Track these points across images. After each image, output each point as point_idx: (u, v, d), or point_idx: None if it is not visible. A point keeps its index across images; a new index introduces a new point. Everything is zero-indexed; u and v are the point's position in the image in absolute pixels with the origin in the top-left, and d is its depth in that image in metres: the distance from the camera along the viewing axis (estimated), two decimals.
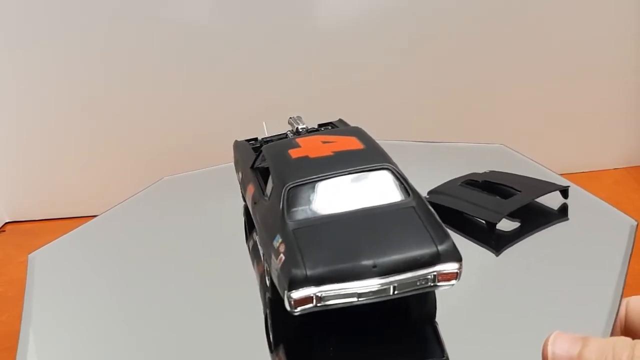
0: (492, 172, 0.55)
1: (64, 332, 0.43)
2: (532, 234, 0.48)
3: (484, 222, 0.48)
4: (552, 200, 0.51)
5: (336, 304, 0.33)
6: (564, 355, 0.32)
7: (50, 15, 1.14)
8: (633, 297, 0.41)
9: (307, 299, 0.33)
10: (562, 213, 0.51)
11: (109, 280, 0.49)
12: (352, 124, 0.51)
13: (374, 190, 0.37)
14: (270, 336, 0.39)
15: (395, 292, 0.33)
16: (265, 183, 0.42)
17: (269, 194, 0.40)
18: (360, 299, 0.33)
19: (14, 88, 1.19)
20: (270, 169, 0.41)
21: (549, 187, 0.51)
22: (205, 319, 0.42)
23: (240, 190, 0.53)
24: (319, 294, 0.33)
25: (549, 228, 0.49)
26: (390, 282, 0.33)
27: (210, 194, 0.62)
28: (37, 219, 1.29)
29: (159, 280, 0.48)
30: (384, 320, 0.38)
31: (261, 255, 0.42)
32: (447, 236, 0.34)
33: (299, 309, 0.33)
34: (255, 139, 0.56)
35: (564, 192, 0.51)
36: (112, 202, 0.60)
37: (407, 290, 0.34)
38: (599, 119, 1.24)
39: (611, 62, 1.20)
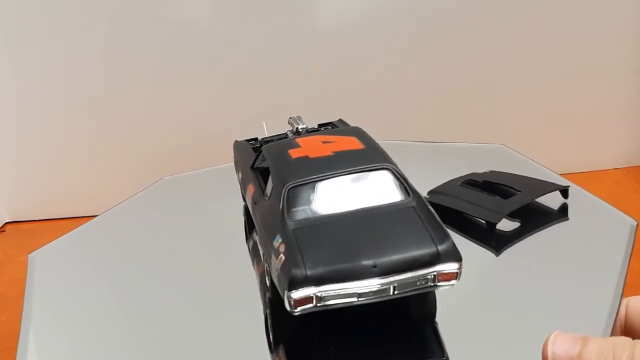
0: (492, 172, 0.55)
1: (64, 332, 0.43)
2: (532, 234, 0.48)
3: (484, 222, 0.48)
4: (552, 200, 0.51)
5: (336, 304, 0.33)
6: (564, 355, 0.32)
7: (50, 15, 1.14)
8: (633, 297, 0.41)
9: (307, 299, 0.33)
10: (562, 213, 0.51)
11: (109, 280, 0.49)
12: (352, 124, 0.51)
13: (374, 190, 0.37)
14: (270, 336, 0.39)
15: (395, 292, 0.33)
16: (265, 183, 0.42)
17: (269, 194, 0.40)
18: (360, 299, 0.33)
19: (14, 88, 1.19)
20: (270, 169, 0.41)
21: (549, 187, 0.51)
22: (205, 319, 0.42)
23: (240, 190, 0.53)
24: (319, 294, 0.33)
25: (549, 228, 0.49)
26: (390, 282, 0.33)
27: (210, 194, 0.62)
28: (37, 219, 1.29)
29: (159, 280, 0.47)
30: (384, 320, 0.38)
31: (261, 255, 0.42)
32: (447, 236, 0.34)
33: (299, 309, 0.33)
34: (255, 139, 0.56)
35: (564, 192, 0.51)
36: (112, 202, 0.60)
37: (407, 290, 0.34)
38: (599, 119, 1.24)
39: (611, 62, 1.20)
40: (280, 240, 0.35)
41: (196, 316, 0.42)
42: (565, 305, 0.40)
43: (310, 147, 0.41)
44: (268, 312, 0.41)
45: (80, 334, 0.43)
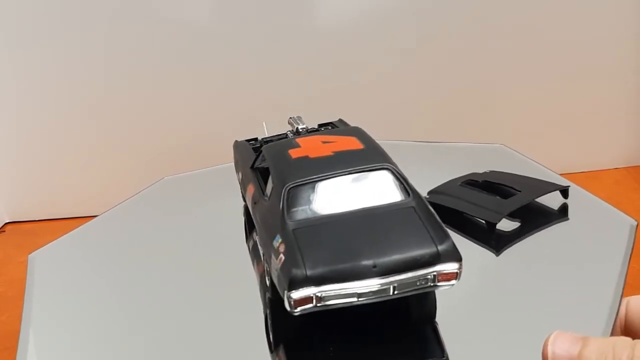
0: (492, 172, 0.55)
1: (64, 332, 0.43)
2: (532, 234, 0.48)
3: (484, 222, 0.48)
4: (552, 200, 0.51)
5: (336, 304, 0.33)
6: (564, 355, 0.32)
7: (50, 15, 1.14)
8: (633, 296, 0.41)
9: (307, 299, 0.33)
10: (562, 213, 0.51)
11: (109, 280, 0.49)
12: (352, 124, 0.51)
13: (374, 190, 0.37)
14: (270, 336, 0.39)
15: (395, 292, 0.33)
16: (265, 183, 0.42)
17: (269, 194, 0.40)
18: (360, 299, 0.33)
19: (14, 88, 1.19)
20: (270, 169, 0.41)
21: (549, 187, 0.51)
22: (205, 319, 0.42)
23: (240, 190, 0.53)
24: (319, 294, 0.33)
25: (549, 228, 0.49)
26: (390, 282, 0.33)
27: (210, 194, 0.62)
28: (37, 219, 1.29)
29: (159, 280, 0.47)
30: (384, 320, 0.38)
31: (261, 255, 0.42)
32: (447, 236, 0.34)
33: (299, 309, 0.33)
34: (255, 139, 0.56)
35: (564, 192, 0.51)
36: (112, 202, 0.60)
37: (407, 290, 0.34)
38: (599, 119, 1.24)
39: (611, 62, 1.20)
40: (280, 240, 0.35)
41: (196, 316, 0.42)
42: (565, 305, 0.40)
43: (310, 147, 0.41)
44: (268, 312, 0.41)
45: (80, 334, 0.43)
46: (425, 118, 1.21)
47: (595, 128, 1.25)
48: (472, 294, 0.41)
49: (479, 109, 1.22)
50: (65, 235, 0.55)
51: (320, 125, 0.56)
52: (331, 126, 0.55)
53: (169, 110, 1.20)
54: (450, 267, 0.34)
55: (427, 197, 0.51)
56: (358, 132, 0.44)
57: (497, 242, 0.47)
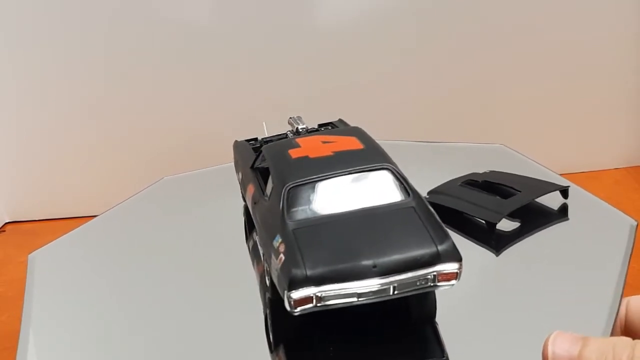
0: (492, 172, 0.55)
1: (64, 332, 0.43)
2: (532, 234, 0.48)
3: (484, 222, 0.48)
4: (552, 200, 0.51)
5: (336, 304, 0.33)
6: (564, 355, 0.32)
7: (50, 15, 1.14)
8: (633, 296, 0.41)
9: (307, 299, 0.33)
10: (562, 213, 0.51)
11: (109, 280, 0.49)
12: (352, 124, 0.51)
13: (374, 190, 0.37)
14: (270, 336, 0.39)
15: (395, 292, 0.33)
16: (265, 183, 0.42)
17: (269, 194, 0.40)
18: (360, 299, 0.33)
19: (14, 88, 1.19)
20: (270, 169, 0.41)
21: (549, 187, 0.51)
22: (205, 319, 0.42)
23: (240, 190, 0.53)
24: (319, 294, 0.33)
25: (549, 228, 0.49)
26: (390, 282, 0.33)
27: (210, 194, 0.62)
28: (37, 219, 1.29)
29: (159, 280, 0.47)
30: (384, 320, 0.38)
31: (261, 255, 0.42)
32: (447, 236, 0.34)
33: (299, 309, 0.33)
34: (255, 139, 0.56)
35: (564, 192, 0.51)
36: (112, 202, 0.60)
37: (407, 290, 0.34)
38: (599, 119, 1.24)
39: (611, 62, 1.20)
40: (280, 240, 0.35)
41: (196, 316, 0.42)
42: (565, 305, 0.40)
43: (310, 147, 0.41)
44: (268, 312, 0.41)
45: (80, 334, 0.43)
46: (425, 118, 1.21)
47: (595, 128, 1.25)
48: (472, 294, 0.41)
49: (479, 109, 1.22)
50: (65, 235, 0.55)
51: (320, 125, 0.56)
52: (331, 126, 0.55)
53: (169, 110, 1.20)
54: (450, 267, 0.34)
55: (427, 197, 0.51)
56: (358, 132, 0.44)
57: (497, 242, 0.47)
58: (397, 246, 0.34)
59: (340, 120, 0.56)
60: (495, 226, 0.47)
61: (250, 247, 0.50)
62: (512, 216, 0.49)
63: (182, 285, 0.46)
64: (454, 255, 0.34)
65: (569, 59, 1.19)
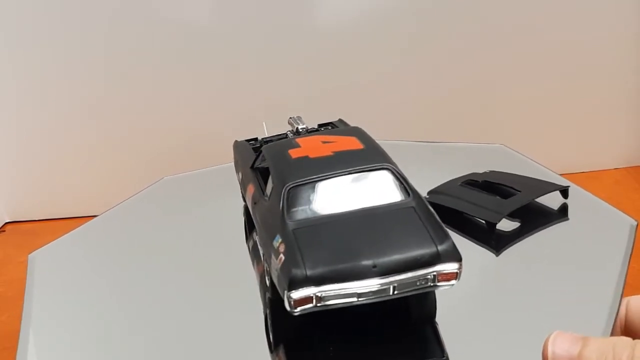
0: (492, 172, 0.55)
1: (64, 332, 0.43)
2: (532, 234, 0.48)
3: (484, 222, 0.48)
4: (552, 200, 0.51)
5: (336, 304, 0.33)
6: (564, 355, 0.32)
7: (50, 15, 1.14)
8: (633, 296, 0.41)
9: (307, 299, 0.33)
10: (562, 213, 0.51)
11: (109, 280, 0.49)
12: (352, 124, 0.51)
13: (373, 190, 0.37)
14: (270, 336, 0.39)
15: (395, 292, 0.33)
16: (265, 183, 0.42)
17: (269, 194, 0.40)
18: (360, 299, 0.33)
19: (14, 88, 1.19)
20: (270, 169, 0.41)
21: (549, 187, 0.51)
22: (205, 319, 0.42)
23: (240, 190, 0.53)
24: (319, 294, 0.33)
25: (549, 228, 0.49)
26: (390, 282, 0.33)
27: (210, 194, 0.62)
28: (37, 219, 1.29)
29: (159, 280, 0.47)
30: (384, 320, 0.38)
31: (261, 255, 0.42)
32: (447, 236, 0.34)
33: (299, 309, 0.33)
34: (255, 139, 0.56)
35: (564, 192, 0.51)
36: (112, 202, 0.60)
37: (407, 290, 0.34)
38: (599, 119, 1.24)
39: (611, 62, 1.20)
40: (280, 240, 0.35)
41: (196, 316, 0.42)
42: (565, 305, 0.40)
43: (310, 147, 0.41)
44: (268, 312, 0.41)
45: (80, 334, 0.43)
46: (425, 118, 1.21)
47: (595, 128, 1.25)
48: (472, 294, 0.41)
49: (479, 109, 1.22)
50: (65, 235, 0.55)
51: (320, 125, 0.56)
52: (331, 126, 0.55)
53: (169, 110, 1.20)
54: (450, 267, 0.34)
55: (427, 197, 0.51)
56: (358, 132, 0.44)
57: (497, 242, 0.47)
58: (397, 246, 0.34)
59: (340, 120, 0.56)
60: (495, 226, 0.47)
61: (250, 247, 0.50)
62: (512, 216, 0.49)
63: (182, 285, 0.46)
64: (454, 255, 0.34)
65: (569, 59, 1.19)
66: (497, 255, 0.46)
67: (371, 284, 0.33)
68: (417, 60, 1.18)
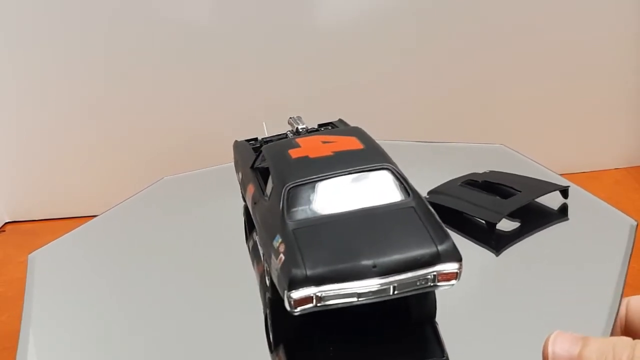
0: (492, 172, 0.55)
1: (64, 332, 0.43)
2: (532, 234, 0.48)
3: (484, 222, 0.48)
4: (552, 200, 0.51)
5: (336, 304, 0.33)
6: (565, 355, 0.32)
7: (50, 15, 1.14)
8: (633, 296, 0.41)
9: (307, 299, 0.33)
10: (562, 213, 0.51)
11: (109, 280, 0.49)
12: (352, 124, 0.51)
13: (373, 190, 0.37)
14: (270, 336, 0.39)
15: (395, 292, 0.33)
16: (265, 183, 0.42)
17: (269, 194, 0.40)
18: (360, 299, 0.33)
19: (14, 88, 1.19)
20: (270, 169, 0.41)
21: (549, 187, 0.51)
22: (205, 319, 0.42)
23: (240, 190, 0.53)
24: (319, 294, 0.33)
25: (549, 228, 0.49)
26: (390, 282, 0.33)
27: (210, 194, 0.62)
28: (37, 219, 1.29)
29: (159, 280, 0.47)
30: (384, 320, 0.38)
31: (261, 255, 0.42)
32: (447, 236, 0.34)
33: (299, 309, 0.33)
34: (255, 139, 0.56)
35: (564, 192, 0.51)
36: (112, 202, 0.60)
37: (407, 290, 0.34)
38: (599, 119, 1.24)
39: (611, 62, 1.20)
40: (280, 240, 0.35)
41: (196, 316, 0.42)
42: (565, 305, 0.40)
43: (310, 147, 0.41)
44: (268, 312, 0.41)
45: (80, 334, 0.43)
46: (425, 118, 1.21)
47: (595, 128, 1.25)
48: (472, 294, 0.41)
49: (479, 109, 1.22)
50: (65, 235, 0.55)
51: (320, 125, 0.56)
52: (331, 126, 0.55)
53: (169, 110, 1.20)
54: (450, 267, 0.34)
55: (427, 197, 0.51)
56: (358, 132, 0.44)
57: (497, 242, 0.47)
58: (397, 246, 0.34)
59: (340, 120, 0.56)
60: (495, 226, 0.47)
61: (250, 247, 0.50)
62: (512, 216, 0.49)
63: (182, 285, 0.46)
64: (454, 255, 0.34)
65: (569, 59, 1.19)
66: (497, 255, 0.46)
67: (371, 284, 0.33)
68: (417, 60, 1.18)
